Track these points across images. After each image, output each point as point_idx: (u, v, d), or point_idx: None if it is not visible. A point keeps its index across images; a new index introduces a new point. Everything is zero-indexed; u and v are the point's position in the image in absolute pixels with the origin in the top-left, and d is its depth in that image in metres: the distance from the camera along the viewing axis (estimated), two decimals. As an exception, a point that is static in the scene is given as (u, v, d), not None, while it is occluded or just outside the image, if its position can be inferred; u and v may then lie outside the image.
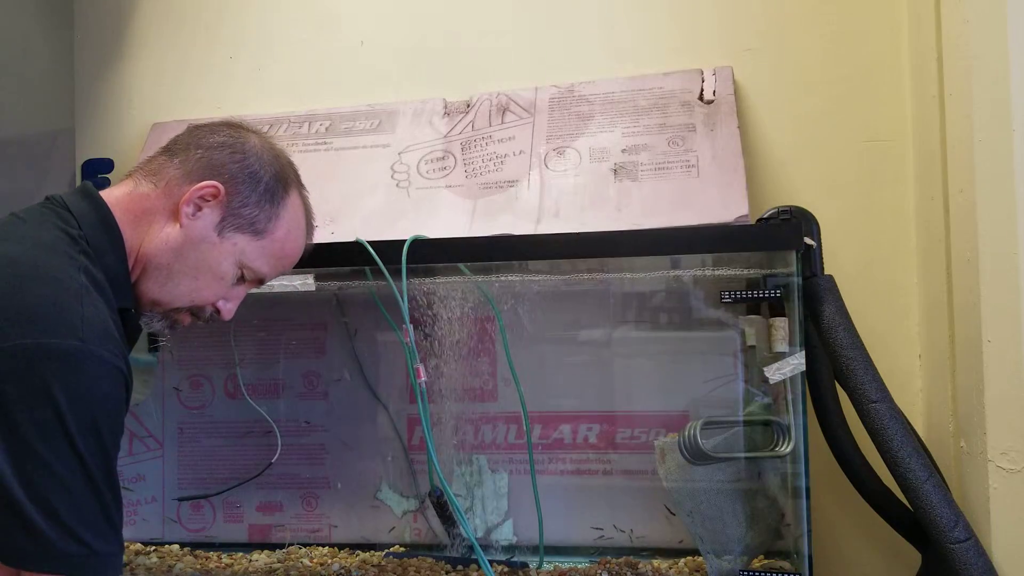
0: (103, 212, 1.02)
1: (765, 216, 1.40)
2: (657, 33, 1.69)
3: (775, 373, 1.30)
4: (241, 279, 1.10)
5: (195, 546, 1.66)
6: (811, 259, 1.35)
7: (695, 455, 1.34)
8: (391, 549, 1.59)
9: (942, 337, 1.41)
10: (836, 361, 1.30)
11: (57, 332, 0.86)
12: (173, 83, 1.88)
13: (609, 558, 1.47)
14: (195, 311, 1.10)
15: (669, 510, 1.38)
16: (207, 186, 1.04)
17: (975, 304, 1.25)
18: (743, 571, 1.34)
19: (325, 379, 1.68)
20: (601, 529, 1.57)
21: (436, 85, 1.75)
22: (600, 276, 1.54)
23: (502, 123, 1.64)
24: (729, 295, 1.38)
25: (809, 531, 1.28)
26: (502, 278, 1.51)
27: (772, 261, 1.38)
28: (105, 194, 1.05)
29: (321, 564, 1.51)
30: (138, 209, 1.04)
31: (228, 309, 1.11)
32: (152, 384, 1.73)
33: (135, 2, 1.93)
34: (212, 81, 1.86)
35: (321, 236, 1.52)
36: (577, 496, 1.58)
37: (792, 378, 1.30)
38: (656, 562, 1.45)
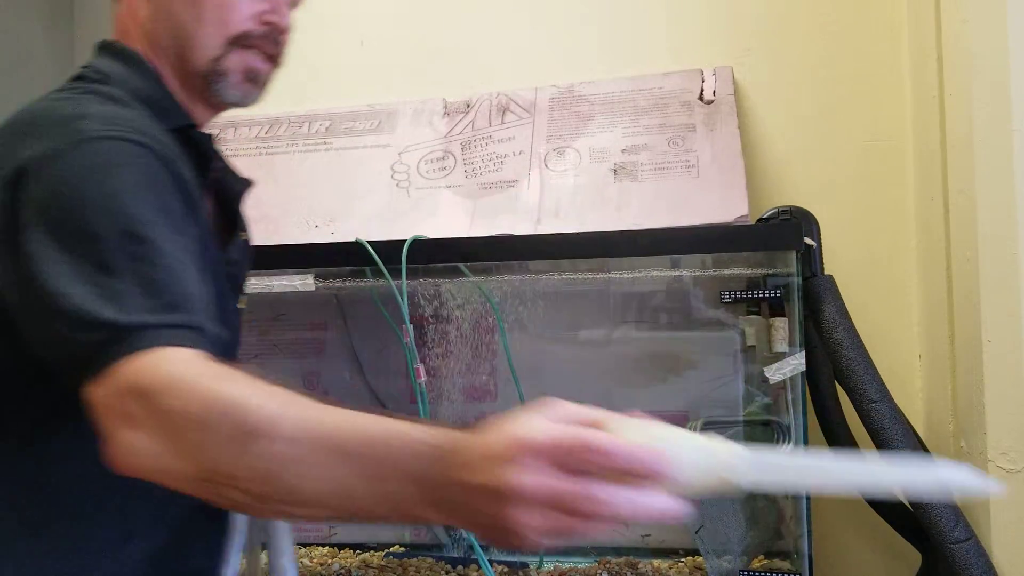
0: (106, 43, 0.92)
1: (765, 216, 1.40)
2: (657, 33, 1.69)
3: (775, 373, 1.30)
4: None
5: (195, 546, 1.65)
6: (811, 259, 1.34)
7: (695, 455, 1.34)
8: (391, 549, 1.59)
9: (942, 337, 1.41)
10: (836, 361, 1.30)
11: (52, 134, 0.74)
12: (173, 83, 1.87)
13: (609, 558, 1.47)
14: (254, 42, 0.96)
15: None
16: None
17: (975, 304, 1.25)
18: (743, 571, 1.34)
19: (325, 378, 1.68)
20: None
21: (436, 85, 1.74)
22: (600, 276, 1.54)
23: (502, 123, 1.64)
24: (729, 295, 1.38)
25: (809, 531, 1.28)
26: (502, 278, 1.51)
27: (772, 261, 1.38)
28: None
29: (321, 564, 1.51)
30: (125, 23, 0.92)
31: (281, 13, 0.97)
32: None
33: (135, 2, 1.92)
34: (212, 81, 1.85)
35: (321, 236, 1.53)
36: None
37: (792, 378, 1.30)
38: (656, 562, 1.45)
